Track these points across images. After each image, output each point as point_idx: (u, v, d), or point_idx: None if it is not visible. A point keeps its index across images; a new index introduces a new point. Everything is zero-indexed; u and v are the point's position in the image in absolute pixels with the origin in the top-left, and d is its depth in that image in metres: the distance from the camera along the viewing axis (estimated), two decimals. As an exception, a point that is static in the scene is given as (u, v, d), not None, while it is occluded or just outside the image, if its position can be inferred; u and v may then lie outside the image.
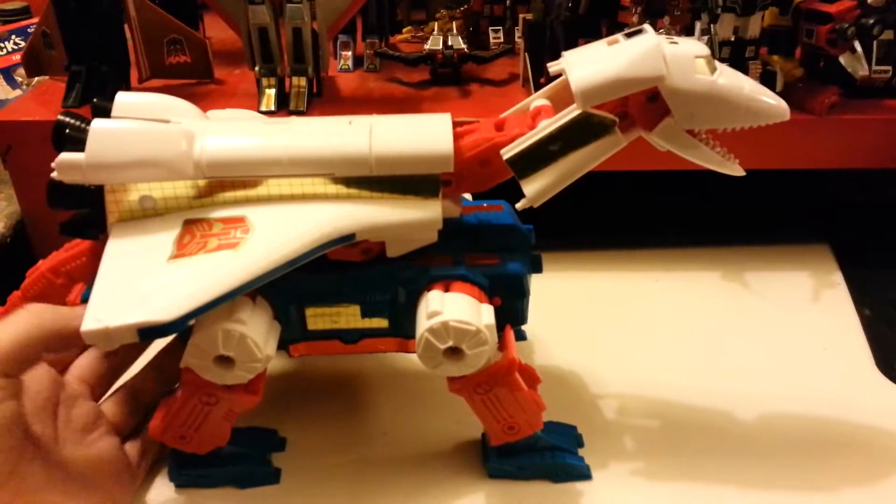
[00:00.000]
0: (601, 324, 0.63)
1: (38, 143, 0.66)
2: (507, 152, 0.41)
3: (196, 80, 0.71)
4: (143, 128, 0.41)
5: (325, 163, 0.41)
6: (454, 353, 0.42)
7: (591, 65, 0.40)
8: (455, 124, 0.43)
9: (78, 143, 0.40)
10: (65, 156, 0.40)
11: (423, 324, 0.42)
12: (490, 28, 0.81)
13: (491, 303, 0.44)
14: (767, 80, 0.65)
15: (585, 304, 0.65)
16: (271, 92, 0.65)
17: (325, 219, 0.41)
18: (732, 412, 0.53)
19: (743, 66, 0.65)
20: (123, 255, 0.40)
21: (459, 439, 0.51)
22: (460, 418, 0.50)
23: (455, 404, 0.47)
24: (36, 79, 0.77)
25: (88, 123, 0.41)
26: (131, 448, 0.47)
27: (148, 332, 0.36)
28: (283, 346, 0.46)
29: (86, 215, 0.42)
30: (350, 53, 0.77)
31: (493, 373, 0.43)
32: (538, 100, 0.45)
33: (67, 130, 0.41)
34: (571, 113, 0.41)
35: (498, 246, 0.46)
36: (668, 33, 0.64)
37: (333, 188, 0.41)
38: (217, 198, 0.41)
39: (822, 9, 0.62)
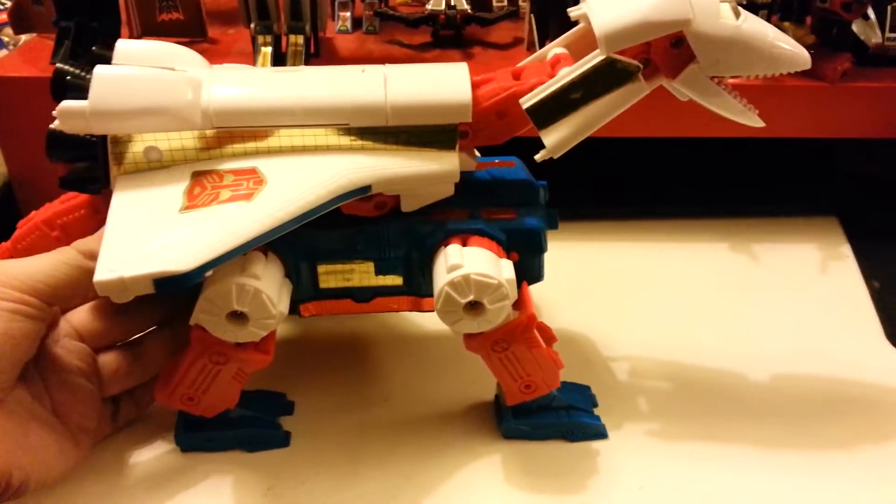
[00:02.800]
0: (610, 290, 0.62)
1: (24, 102, 0.64)
2: (527, 101, 0.40)
3: (189, 39, 0.69)
4: (149, 75, 0.39)
5: (339, 112, 0.40)
6: (474, 307, 0.41)
7: (614, 8, 0.39)
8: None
9: (80, 91, 0.38)
10: (67, 103, 0.38)
11: (442, 277, 0.41)
12: (493, -9, 0.78)
13: (508, 258, 0.43)
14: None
15: (593, 270, 0.64)
16: (267, 50, 0.63)
17: (340, 170, 0.40)
18: (742, 376, 0.53)
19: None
20: (132, 207, 0.39)
21: (472, 401, 0.50)
22: (473, 379, 0.50)
23: (466, 365, 0.46)
24: (23, 37, 0.75)
25: (90, 71, 0.39)
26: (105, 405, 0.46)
27: (164, 283, 0.35)
28: (293, 305, 0.45)
29: (87, 168, 0.40)
30: (349, 14, 0.74)
31: (511, 329, 0.43)
32: (556, 48, 0.44)
33: (69, 77, 0.39)
34: (594, 59, 0.40)
35: (513, 201, 0.45)
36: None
37: (347, 139, 0.40)
38: (226, 150, 0.40)
39: (837, -28, 0.60)
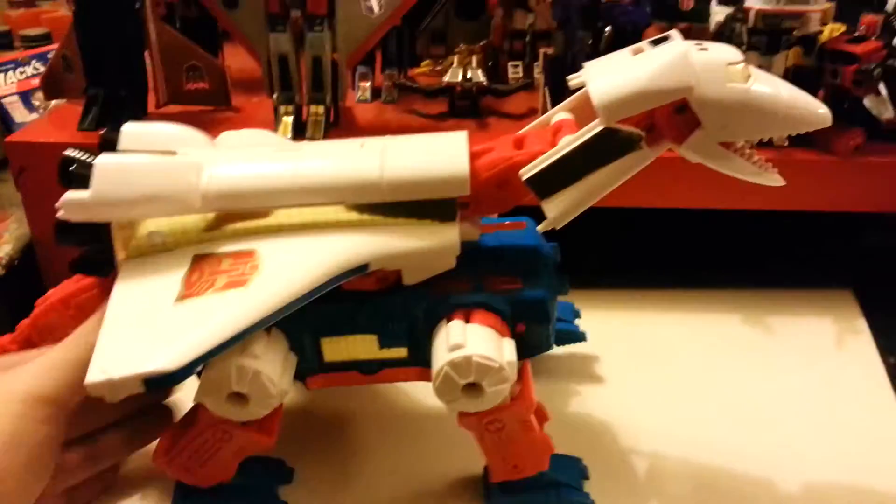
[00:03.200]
0: (617, 360, 0.61)
1: (51, 166, 0.65)
2: (527, 172, 0.39)
3: (214, 108, 0.71)
4: (148, 162, 0.40)
5: (335, 190, 0.40)
6: (472, 388, 0.40)
7: (613, 77, 0.38)
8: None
9: (84, 180, 0.39)
10: (70, 195, 0.39)
11: (443, 356, 0.40)
12: (510, 63, 0.80)
13: (514, 329, 0.42)
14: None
15: (601, 340, 0.63)
16: (288, 119, 0.65)
17: (337, 250, 0.39)
18: (750, 455, 0.52)
19: (766, 105, 0.64)
20: (130, 297, 0.39)
21: (465, 475, 0.50)
22: (467, 454, 0.49)
23: (463, 439, 0.45)
24: (53, 102, 0.78)
25: (95, 158, 0.40)
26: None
27: (154, 382, 0.35)
28: (300, 377, 0.45)
29: (95, 253, 0.41)
30: (368, 84, 0.76)
31: (508, 412, 0.42)
32: (560, 113, 0.43)
33: (73, 167, 0.40)
34: (594, 129, 0.39)
35: (520, 269, 0.44)
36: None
37: (345, 216, 0.40)
38: (226, 230, 0.40)
39: (848, 49, 0.61)
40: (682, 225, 0.72)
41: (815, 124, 0.38)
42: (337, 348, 0.44)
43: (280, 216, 0.40)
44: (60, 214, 0.40)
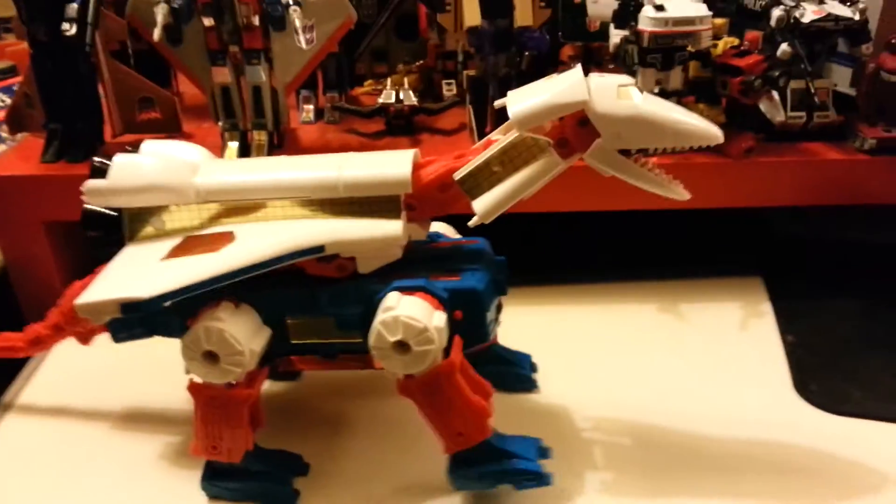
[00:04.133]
0: (545, 351, 0.65)
1: (19, 197, 0.71)
2: (459, 174, 0.47)
3: (166, 135, 0.76)
4: (155, 160, 0.50)
5: (301, 188, 0.48)
6: (402, 348, 0.46)
7: (526, 96, 0.46)
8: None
9: (103, 174, 0.49)
10: (91, 182, 0.49)
11: (377, 317, 0.46)
12: (444, 81, 0.86)
13: (452, 316, 0.48)
14: (690, 127, 0.71)
15: (529, 334, 0.68)
16: (233, 145, 0.70)
17: (298, 232, 0.47)
18: (659, 429, 0.58)
19: (667, 114, 0.70)
20: (129, 257, 0.49)
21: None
22: None
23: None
24: (20, 134, 0.83)
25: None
26: None
27: (128, 307, 0.44)
28: (270, 360, 0.51)
29: (112, 244, 0.50)
30: (311, 107, 0.82)
31: (435, 373, 0.47)
32: (495, 135, 0.50)
33: (97, 163, 0.50)
34: (511, 136, 0.46)
35: (463, 267, 0.51)
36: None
37: (310, 209, 0.49)
38: (215, 222, 0.50)
39: (733, 63, 0.68)
40: (602, 225, 0.79)
41: (705, 140, 0.44)
42: (301, 329, 0.50)
43: (260, 212, 0.49)
44: (83, 198, 0.49)
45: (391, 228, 0.47)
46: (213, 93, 0.70)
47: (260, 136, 0.71)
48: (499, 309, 0.52)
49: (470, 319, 0.49)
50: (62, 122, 0.71)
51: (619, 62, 0.70)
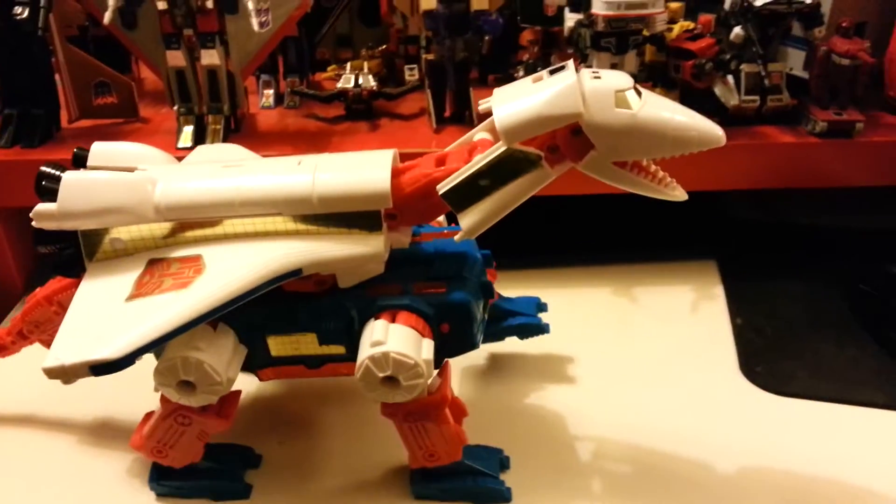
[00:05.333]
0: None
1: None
2: (442, 188, 0.43)
3: (123, 120, 0.77)
4: (108, 178, 0.45)
5: (272, 203, 0.44)
6: (391, 381, 0.44)
7: (513, 103, 0.41)
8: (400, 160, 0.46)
9: (53, 193, 0.45)
10: (40, 207, 0.45)
11: (365, 351, 0.44)
12: (405, 66, 0.87)
13: (439, 329, 0.46)
14: (644, 111, 0.72)
15: None
16: (188, 129, 0.71)
17: (272, 256, 0.44)
18: (610, 407, 0.59)
19: (621, 98, 0.71)
20: (90, 296, 0.45)
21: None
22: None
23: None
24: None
25: (63, 173, 0.45)
26: None
27: (99, 369, 0.40)
28: (251, 369, 0.50)
29: (68, 255, 0.46)
30: (272, 92, 0.82)
31: (424, 405, 0.46)
32: (480, 133, 0.47)
33: (44, 182, 0.45)
34: (498, 149, 0.43)
35: (448, 273, 0.48)
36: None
37: (283, 225, 0.45)
38: (179, 237, 0.46)
39: (685, 46, 0.68)
40: (557, 209, 0.79)
41: (706, 145, 0.41)
42: (282, 344, 0.48)
43: (226, 226, 0.45)
44: (34, 223, 0.45)
45: (372, 246, 0.44)
46: (167, 77, 0.70)
47: (216, 121, 0.71)
48: (486, 308, 0.51)
49: (458, 332, 0.47)
50: (17, 107, 0.71)
51: (572, 46, 0.70)
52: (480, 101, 0.44)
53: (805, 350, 0.65)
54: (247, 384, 0.53)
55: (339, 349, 0.48)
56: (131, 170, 0.47)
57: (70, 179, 0.45)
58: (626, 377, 0.63)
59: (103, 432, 0.59)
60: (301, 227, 0.45)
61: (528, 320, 0.61)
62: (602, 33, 0.68)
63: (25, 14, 0.67)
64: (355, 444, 0.57)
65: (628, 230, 0.83)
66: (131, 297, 0.43)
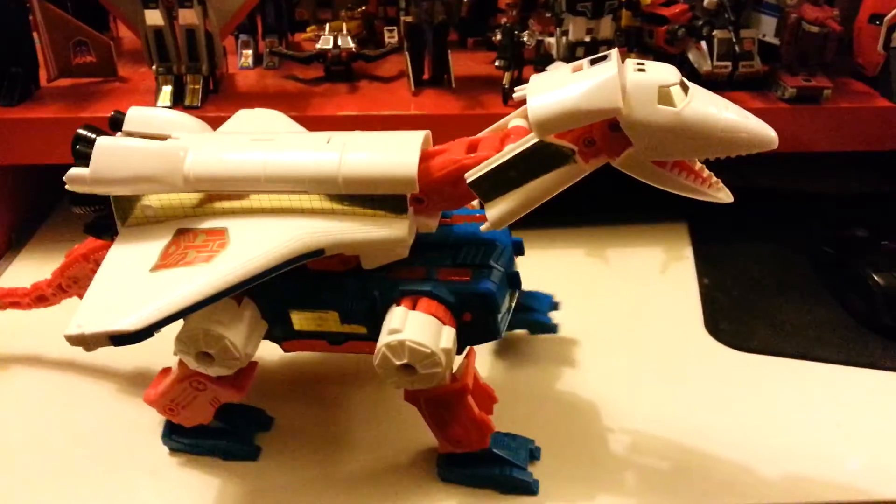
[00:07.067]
0: None
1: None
2: (471, 176, 0.42)
3: (102, 79, 0.77)
4: (140, 145, 0.46)
5: (298, 181, 0.44)
6: (408, 369, 0.44)
7: (549, 94, 0.40)
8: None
9: (87, 158, 0.45)
10: (72, 171, 0.45)
11: (383, 338, 0.44)
12: (385, 28, 0.87)
13: (461, 318, 0.46)
14: (619, 75, 0.73)
15: None
16: (167, 89, 0.71)
17: (295, 235, 0.44)
18: (581, 363, 0.62)
19: (597, 63, 0.72)
20: (117, 262, 0.45)
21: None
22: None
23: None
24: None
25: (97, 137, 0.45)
26: None
27: (118, 340, 0.40)
28: (276, 341, 0.51)
29: (102, 219, 0.47)
30: (251, 52, 0.82)
31: (445, 392, 0.46)
32: (515, 119, 0.46)
33: (78, 146, 0.45)
34: (530, 141, 0.41)
35: (476, 261, 0.47)
36: (534, 35, 0.71)
37: (309, 203, 0.45)
38: (207, 208, 0.46)
39: (659, 12, 0.69)
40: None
41: (756, 147, 0.39)
42: (305, 320, 0.49)
43: (252, 200, 0.45)
44: (67, 187, 0.45)
45: (396, 230, 0.44)
46: (146, 36, 0.70)
47: (194, 81, 0.72)
48: (512, 298, 0.50)
49: (480, 321, 0.46)
50: (-3, 66, 0.71)
51: (549, 10, 0.71)
52: (517, 88, 0.43)
53: (768, 309, 0.67)
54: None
55: (360, 329, 0.48)
56: (164, 138, 0.47)
57: (103, 145, 0.45)
58: (593, 334, 0.65)
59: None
60: (327, 206, 0.44)
61: (542, 318, 0.62)
62: (578, -3, 0.69)
63: (1, -28, 0.66)
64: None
65: (603, 193, 0.85)
66: (156, 268, 0.44)
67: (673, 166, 0.41)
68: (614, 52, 0.40)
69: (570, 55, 0.71)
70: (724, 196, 0.42)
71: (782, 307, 0.68)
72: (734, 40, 0.71)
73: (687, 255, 0.76)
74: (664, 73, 0.39)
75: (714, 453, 0.53)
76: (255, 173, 0.44)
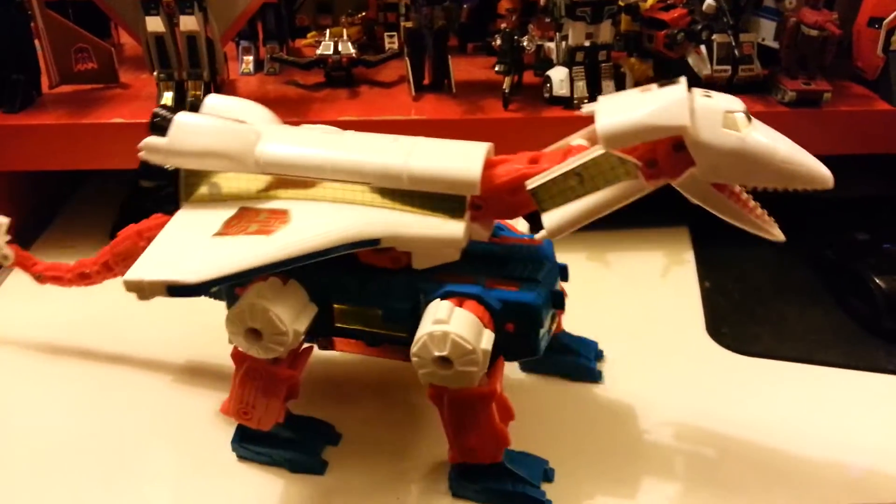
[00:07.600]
0: None
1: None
2: (532, 183, 0.43)
3: (103, 85, 0.77)
4: (218, 124, 0.48)
5: (363, 173, 0.46)
6: (444, 362, 0.44)
7: (618, 110, 0.41)
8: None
9: (163, 131, 0.47)
10: (150, 139, 0.47)
11: (426, 327, 0.44)
12: (385, 34, 0.87)
13: (504, 328, 0.46)
14: (618, 81, 0.73)
15: None
16: (168, 95, 0.71)
17: (354, 222, 0.45)
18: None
19: (597, 68, 0.72)
20: (181, 226, 0.47)
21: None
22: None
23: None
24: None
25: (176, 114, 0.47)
26: None
27: (174, 290, 0.42)
28: (313, 338, 0.52)
29: (167, 193, 0.49)
30: (251, 58, 0.83)
31: (471, 395, 0.46)
32: (578, 139, 0.46)
33: (156, 119, 0.47)
34: (595, 152, 0.42)
35: (524, 275, 0.47)
36: (533, 40, 0.71)
37: (370, 196, 0.46)
38: (271, 193, 0.48)
39: (658, 16, 0.70)
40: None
41: (811, 183, 0.40)
42: (347, 315, 0.49)
43: (317, 188, 0.47)
44: (141, 155, 0.47)
45: (452, 230, 0.44)
46: (147, 43, 0.70)
47: (196, 87, 0.72)
48: (553, 319, 0.50)
49: (522, 333, 0.46)
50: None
51: (549, 15, 0.71)
52: (584, 106, 0.44)
53: (770, 313, 0.67)
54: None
55: (400, 332, 0.48)
56: (240, 122, 0.48)
57: (183, 118, 0.47)
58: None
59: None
60: (388, 200, 0.46)
61: (588, 363, 0.60)
62: (578, 2, 0.69)
63: (3, -21, 0.67)
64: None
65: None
66: (218, 234, 0.45)
67: (730, 195, 0.42)
68: (683, 79, 0.41)
69: (569, 60, 0.71)
70: (777, 233, 0.44)
71: (784, 311, 0.68)
72: (733, 44, 0.72)
73: (688, 258, 0.76)
74: (729, 100, 0.41)
75: (718, 460, 0.53)
76: (323, 161, 0.46)
